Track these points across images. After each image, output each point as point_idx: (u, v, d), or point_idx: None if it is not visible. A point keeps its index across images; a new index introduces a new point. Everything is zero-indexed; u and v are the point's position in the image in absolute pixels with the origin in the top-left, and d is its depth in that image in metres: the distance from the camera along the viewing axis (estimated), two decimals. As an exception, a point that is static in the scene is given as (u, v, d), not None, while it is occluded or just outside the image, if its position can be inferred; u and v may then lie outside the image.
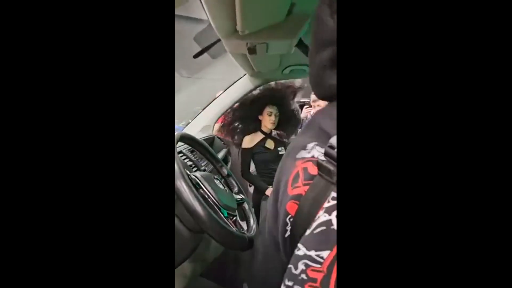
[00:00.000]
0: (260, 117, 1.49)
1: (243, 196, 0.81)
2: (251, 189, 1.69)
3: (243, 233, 0.61)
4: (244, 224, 0.75)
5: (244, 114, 1.49)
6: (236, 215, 0.67)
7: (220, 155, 1.37)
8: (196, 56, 0.89)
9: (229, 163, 1.50)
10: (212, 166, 0.92)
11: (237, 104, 1.50)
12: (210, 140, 1.45)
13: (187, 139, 0.78)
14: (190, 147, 0.95)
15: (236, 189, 0.83)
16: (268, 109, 1.46)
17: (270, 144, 1.50)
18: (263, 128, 1.50)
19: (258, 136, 1.48)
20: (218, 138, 1.53)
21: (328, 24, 0.28)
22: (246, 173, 1.47)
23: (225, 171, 0.86)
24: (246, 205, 0.79)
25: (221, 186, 0.69)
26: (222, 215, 0.61)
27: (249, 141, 1.47)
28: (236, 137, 1.51)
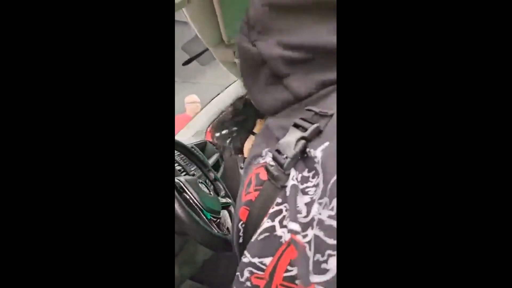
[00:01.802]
0: (260, 121, 1.46)
1: (229, 200, 0.83)
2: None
3: (226, 234, 0.63)
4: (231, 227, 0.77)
5: (242, 116, 1.46)
6: (220, 218, 0.69)
7: (212, 160, 1.39)
8: (185, 64, 0.92)
9: (221, 168, 1.51)
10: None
11: (230, 109, 1.50)
12: (202, 145, 1.47)
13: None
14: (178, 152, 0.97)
15: (222, 193, 0.85)
16: None
17: None
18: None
19: None
20: (210, 143, 1.54)
21: (252, 50, 0.28)
22: None
23: (212, 175, 0.88)
24: (232, 208, 0.81)
25: (205, 190, 0.71)
26: (204, 218, 0.63)
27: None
28: (232, 144, 1.50)
